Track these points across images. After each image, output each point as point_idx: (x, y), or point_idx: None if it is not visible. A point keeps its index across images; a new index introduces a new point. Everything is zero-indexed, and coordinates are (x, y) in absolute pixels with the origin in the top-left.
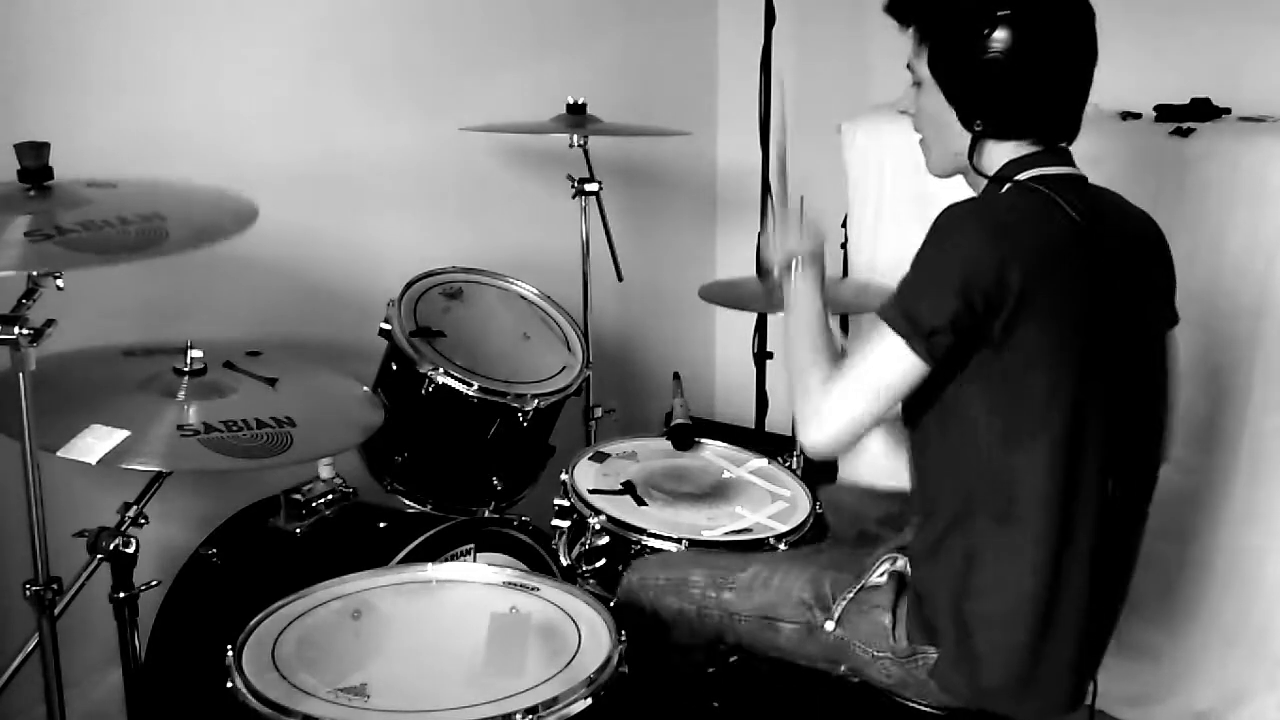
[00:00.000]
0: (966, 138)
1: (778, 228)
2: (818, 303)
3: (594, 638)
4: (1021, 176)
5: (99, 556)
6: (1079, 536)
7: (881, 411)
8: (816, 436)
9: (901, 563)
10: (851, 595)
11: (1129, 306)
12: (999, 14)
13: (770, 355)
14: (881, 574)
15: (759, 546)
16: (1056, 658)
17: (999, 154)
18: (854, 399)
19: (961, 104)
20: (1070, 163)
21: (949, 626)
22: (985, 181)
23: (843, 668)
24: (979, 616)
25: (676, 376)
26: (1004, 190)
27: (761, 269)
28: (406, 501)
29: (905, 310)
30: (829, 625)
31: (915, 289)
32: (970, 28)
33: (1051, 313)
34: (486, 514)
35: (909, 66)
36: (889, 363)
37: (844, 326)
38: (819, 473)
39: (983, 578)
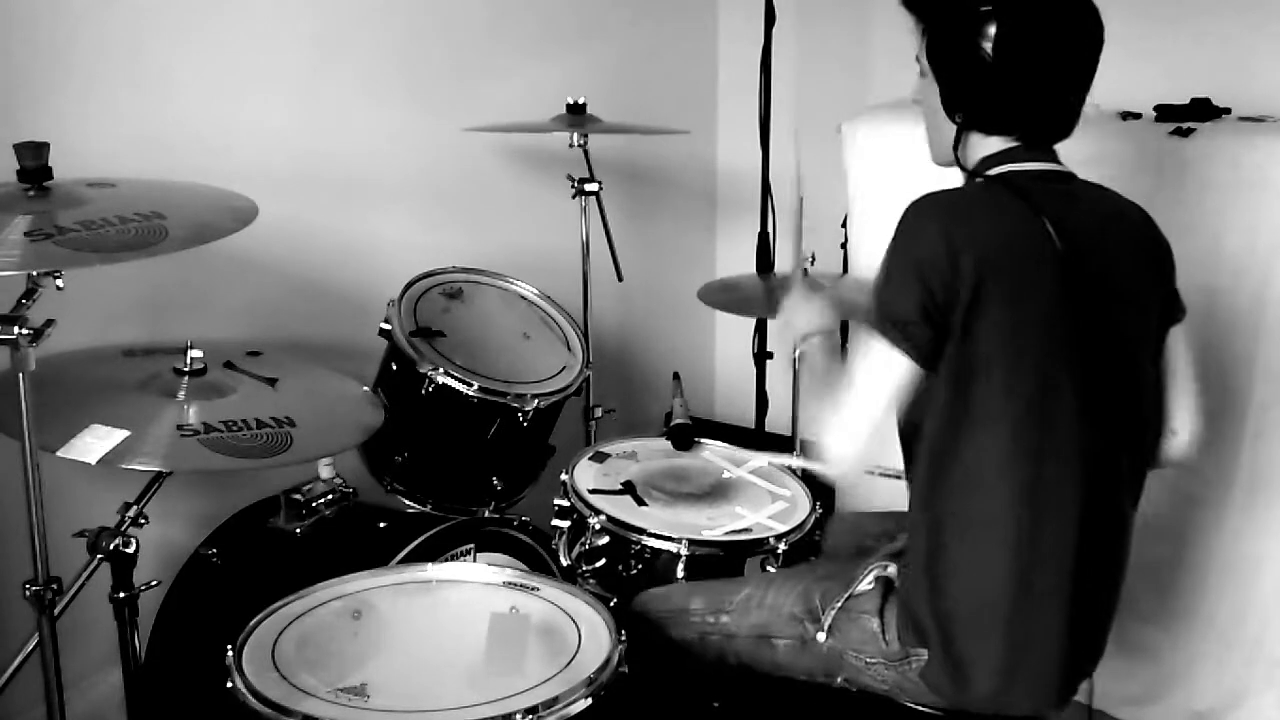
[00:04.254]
0: (953, 128)
1: (795, 300)
2: (836, 370)
3: (594, 638)
4: (993, 171)
5: (99, 556)
6: (1049, 536)
7: (883, 413)
8: (833, 454)
9: (891, 569)
10: (840, 604)
11: (1099, 309)
12: (983, 9)
13: (770, 355)
14: (869, 581)
15: (759, 546)
16: (1039, 655)
17: (981, 148)
18: (856, 410)
19: (946, 94)
20: (1052, 159)
21: (932, 628)
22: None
23: (839, 679)
24: (955, 616)
25: (676, 376)
26: (971, 185)
27: (762, 268)
28: (406, 501)
29: (880, 310)
30: (820, 636)
31: (884, 287)
32: (957, 20)
33: (1008, 306)
34: (486, 514)
35: (918, 58)
36: (879, 365)
37: (843, 332)
38: (819, 481)
39: (953, 577)
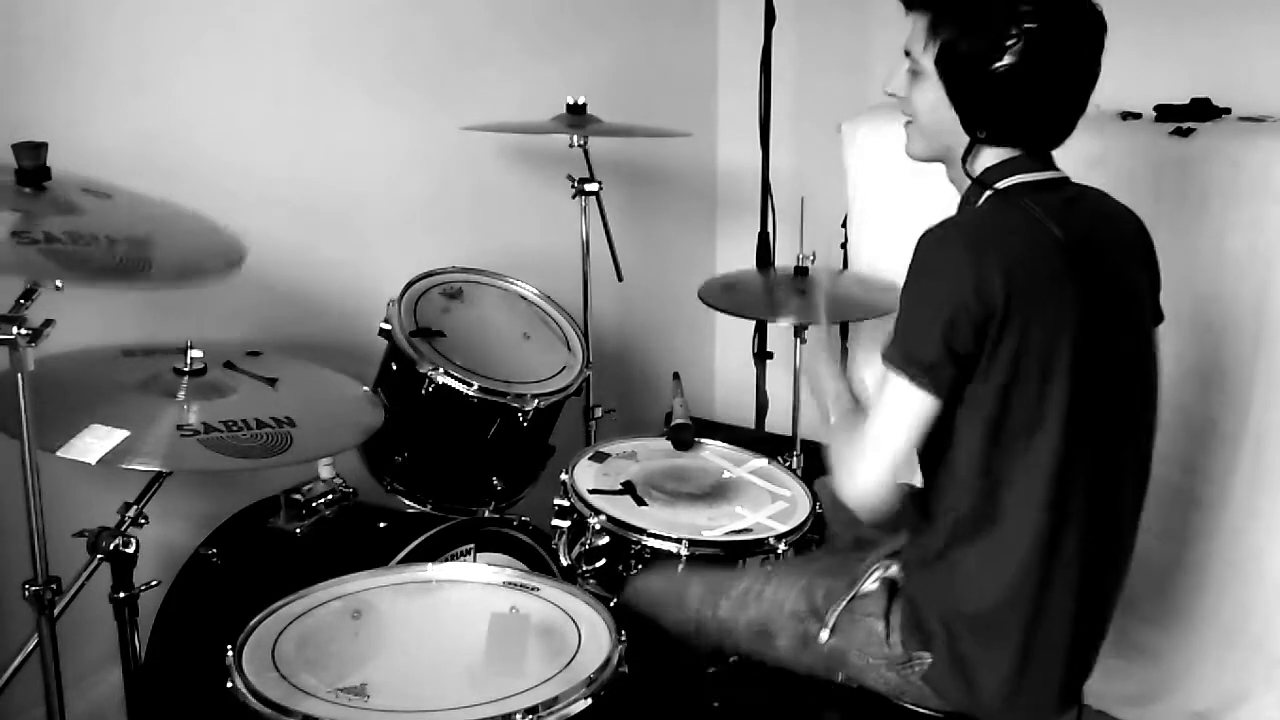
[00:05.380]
0: (964, 140)
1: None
2: (839, 381)
3: (594, 638)
4: (1001, 184)
5: (99, 556)
6: (1065, 542)
7: (906, 450)
8: (853, 493)
9: (894, 569)
10: (844, 604)
11: (1112, 311)
12: (1026, 26)
13: (770, 355)
14: (874, 581)
15: (759, 546)
16: (1047, 662)
17: (985, 157)
18: (878, 449)
19: (968, 110)
20: (1050, 165)
21: (940, 632)
22: (967, 180)
23: (841, 676)
24: (966, 622)
25: (676, 376)
26: (980, 203)
27: (762, 268)
28: (406, 501)
29: (904, 350)
30: (823, 635)
31: (908, 326)
32: (992, 36)
33: (1036, 321)
34: (486, 514)
35: (907, 51)
36: (901, 405)
37: (843, 333)
38: (820, 472)
39: (971, 587)
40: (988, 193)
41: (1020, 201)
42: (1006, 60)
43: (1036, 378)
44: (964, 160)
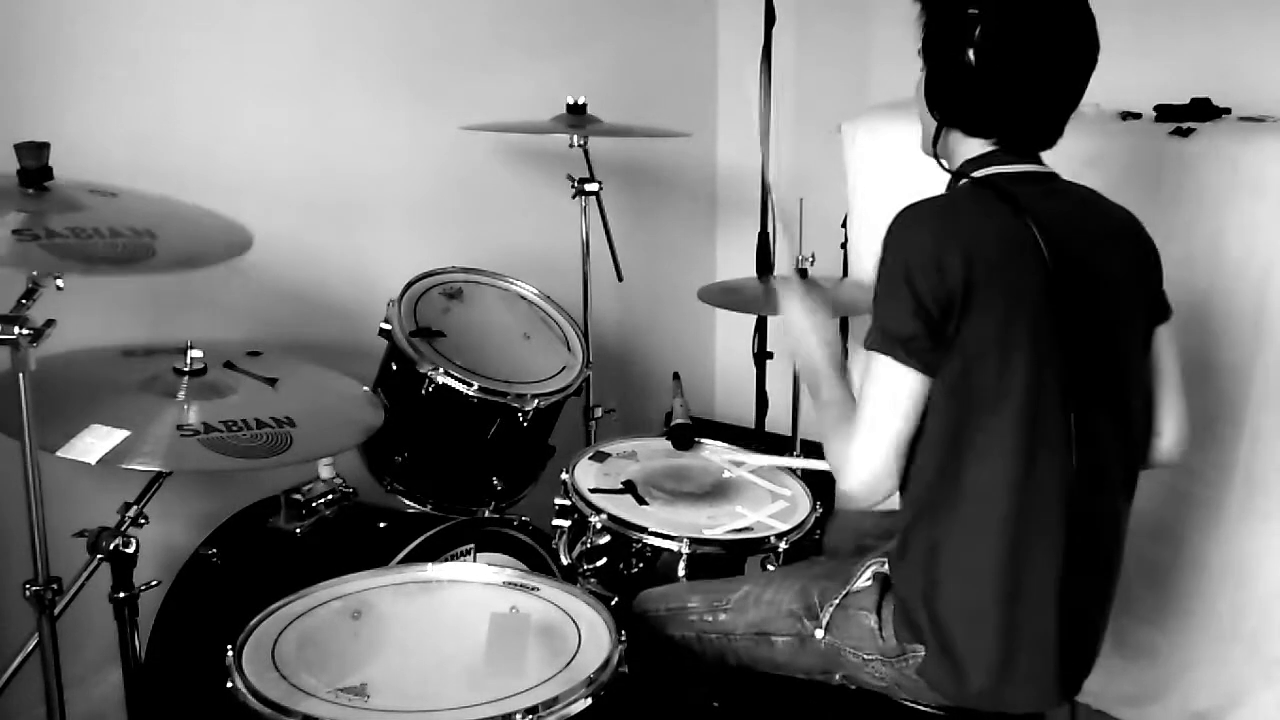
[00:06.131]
0: (933, 122)
1: (784, 304)
2: (838, 387)
3: (594, 638)
4: (976, 174)
5: (99, 556)
6: (1039, 526)
7: (902, 431)
8: (852, 481)
9: (887, 566)
10: (837, 601)
11: (1089, 303)
12: (970, 11)
13: (770, 355)
14: (866, 578)
15: (759, 545)
16: (1035, 651)
17: (963, 150)
18: (872, 431)
19: (928, 89)
20: (1035, 160)
21: (927, 624)
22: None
23: (838, 676)
24: (948, 613)
25: (676, 376)
26: (955, 187)
27: (762, 269)
28: (406, 501)
29: (881, 328)
30: (818, 633)
31: (881, 304)
32: (948, 19)
33: (997, 305)
34: (486, 514)
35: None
36: (888, 383)
37: (843, 329)
38: (821, 478)
39: (946, 573)
40: (964, 180)
41: (994, 188)
42: (964, 47)
43: (995, 365)
44: (935, 142)
